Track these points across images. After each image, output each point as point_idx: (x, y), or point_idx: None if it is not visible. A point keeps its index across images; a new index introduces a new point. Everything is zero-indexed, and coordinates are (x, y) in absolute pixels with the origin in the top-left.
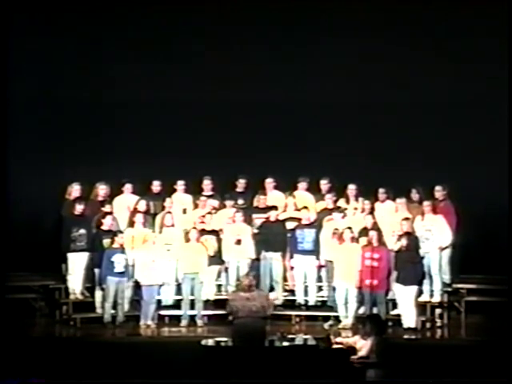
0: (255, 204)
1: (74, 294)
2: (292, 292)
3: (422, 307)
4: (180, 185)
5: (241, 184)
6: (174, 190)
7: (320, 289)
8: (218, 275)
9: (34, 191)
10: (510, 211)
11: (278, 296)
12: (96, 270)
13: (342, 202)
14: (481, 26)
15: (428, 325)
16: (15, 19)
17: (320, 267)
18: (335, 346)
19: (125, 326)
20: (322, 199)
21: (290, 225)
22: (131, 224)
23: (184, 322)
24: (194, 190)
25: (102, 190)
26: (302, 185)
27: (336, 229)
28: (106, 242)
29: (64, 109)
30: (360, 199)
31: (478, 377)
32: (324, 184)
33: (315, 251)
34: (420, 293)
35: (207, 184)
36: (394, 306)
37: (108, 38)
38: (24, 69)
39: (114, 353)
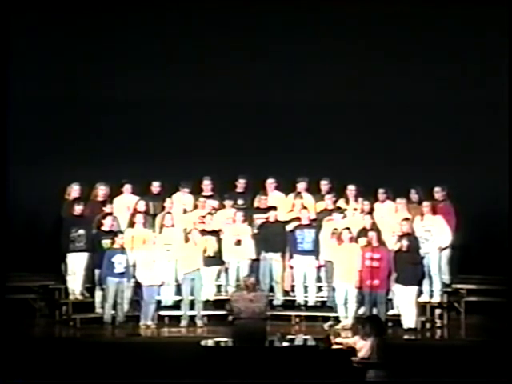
0: (256, 204)
1: (74, 294)
2: (288, 293)
3: (421, 307)
4: (183, 186)
5: (240, 184)
6: (176, 190)
7: (320, 289)
8: (218, 276)
9: (33, 191)
10: (510, 211)
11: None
12: (96, 271)
13: (341, 203)
14: (482, 27)
15: (428, 325)
16: (15, 19)
17: (320, 267)
18: (335, 347)
19: (125, 327)
20: (322, 200)
21: (291, 225)
22: (131, 224)
23: (184, 323)
24: (194, 191)
25: (101, 190)
26: (301, 185)
27: (335, 229)
28: (106, 242)
29: (64, 109)
30: (359, 200)
31: (478, 377)
32: (324, 184)
33: (315, 251)
34: (420, 293)
35: (207, 184)
36: (393, 306)
37: (108, 38)
38: (24, 69)
39: (113, 353)
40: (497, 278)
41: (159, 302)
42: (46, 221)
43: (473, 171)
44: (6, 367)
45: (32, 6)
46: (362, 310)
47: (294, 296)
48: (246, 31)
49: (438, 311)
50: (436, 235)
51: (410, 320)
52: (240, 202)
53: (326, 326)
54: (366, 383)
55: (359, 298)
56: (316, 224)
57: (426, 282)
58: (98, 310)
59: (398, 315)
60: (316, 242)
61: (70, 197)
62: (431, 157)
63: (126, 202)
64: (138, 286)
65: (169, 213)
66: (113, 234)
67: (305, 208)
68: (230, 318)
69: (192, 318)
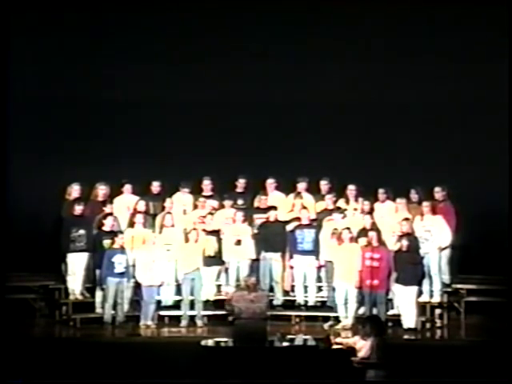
0: (256, 204)
1: (74, 294)
2: (288, 293)
3: (421, 307)
4: (183, 186)
5: (240, 184)
6: (176, 190)
7: (320, 289)
8: (218, 276)
9: (34, 191)
10: (510, 211)
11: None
12: (97, 271)
13: (341, 203)
14: (482, 27)
15: (428, 325)
16: (15, 19)
17: (320, 267)
18: (335, 347)
19: (125, 327)
20: (322, 199)
21: (291, 225)
22: (131, 224)
23: (184, 323)
24: (194, 191)
25: (101, 190)
26: (301, 185)
27: (335, 229)
28: (107, 242)
29: (64, 109)
30: (360, 199)
31: (478, 377)
32: (324, 184)
33: (315, 251)
34: (420, 293)
35: (207, 184)
36: (393, 306)
37: (108, 38)
38: (24, 69)
39: (113, 353)
40: (497, 278)
41: (159, 302)
42: (46, 221)
43: (473, 171)
44: (6, 367)
45: (32, 6)
46: (361, 310)
47: (294, 296)
48: (246, 31)
49: (438, 311)
50: (436, 235)
51: (410, 320)
52: (240, 202)
53: (325, 326)
54: (366, 383)
55: (359, 298)
56: (316, 224)
57: (426, 282)
58: (98, 309)
59: (398, 315)
60: (316, 241)
61: (70, 197)
62: (431, 157)
63: (126, 202)
64: (137, 286)
65: (169, 213)
66: (113, 234)
67: (305, 208)
68: (230, 318)
69: (192, 317)
